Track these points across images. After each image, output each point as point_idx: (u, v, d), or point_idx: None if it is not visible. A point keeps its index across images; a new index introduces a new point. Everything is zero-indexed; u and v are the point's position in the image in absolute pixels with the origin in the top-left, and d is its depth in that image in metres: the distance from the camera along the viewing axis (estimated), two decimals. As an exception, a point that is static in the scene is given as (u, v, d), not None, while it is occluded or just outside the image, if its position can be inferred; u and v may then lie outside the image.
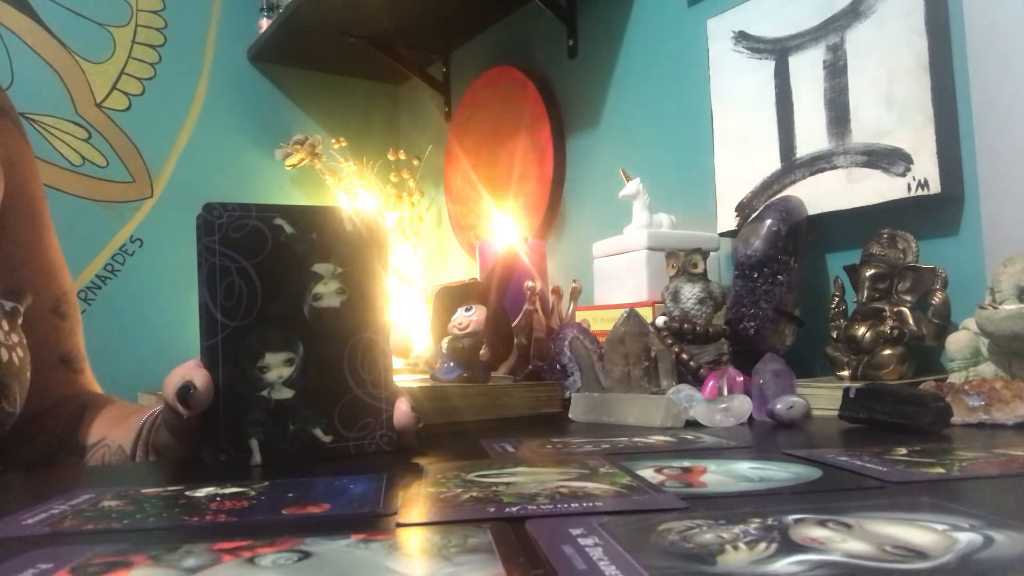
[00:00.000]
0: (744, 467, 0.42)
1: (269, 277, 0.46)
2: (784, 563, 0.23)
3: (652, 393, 0.72)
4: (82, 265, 1.65)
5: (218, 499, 0.36)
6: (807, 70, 0.94)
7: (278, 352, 0.46)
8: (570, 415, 0.71)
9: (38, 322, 0.60)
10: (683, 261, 0.86)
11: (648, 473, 0.40)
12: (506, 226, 1.23)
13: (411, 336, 1.13)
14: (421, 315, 1.29)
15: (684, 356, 0.79)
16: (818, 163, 0.93)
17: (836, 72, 0.91)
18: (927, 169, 0.82)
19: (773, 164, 0.98)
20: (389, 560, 0.25)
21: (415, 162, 1.78)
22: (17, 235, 0.62)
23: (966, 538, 0.26)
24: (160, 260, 1.71)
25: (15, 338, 0.54)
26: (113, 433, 0.58)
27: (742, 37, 1.03)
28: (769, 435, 0.57)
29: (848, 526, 0.27)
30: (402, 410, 0.48)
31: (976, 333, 0.69)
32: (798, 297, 0.88)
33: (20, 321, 0.56)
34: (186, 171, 1.77)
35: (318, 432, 0.47)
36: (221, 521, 0.32)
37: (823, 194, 0.91)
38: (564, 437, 0.58)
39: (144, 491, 0.38)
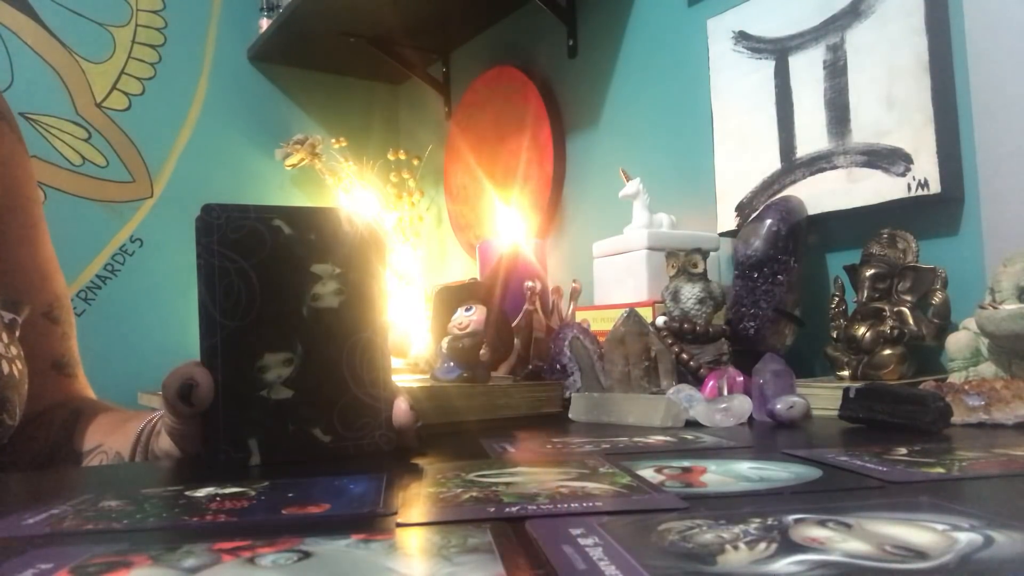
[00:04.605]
0: (744, 467, 0.42)
1: (268, 278, 0.46)
2: (784, 563, 0.23)
3: (652, 393, 0.72)
4: (82, 265, 1.65)
5: (218, 499, 0.36)
6: (807, 70, 0.94)
7: (277, 352, 0.46)
8: (570, 415, 0.71)
9: (30, 327, 0.60)
10: (683, 261, 0.86)
11: (648, 473, 0.40)
12: (511, 222, 1.22)
13: (409, 336, 1.12)
14: (421, 315, 1.29)
15: (684, 356, 0.79)
16: (818, 163, 0.93)
17: (836, 72, 0.91)
18: (927, 169, 0.82)
19: (773, 164, 0.98)
20: (389, 560, 0.25)
21: (415, 162, 1.79)
22: (11, 239, 0.62)
23: (966, 538, 0.26)
24: (160, 260, 1.71)
25: (14, 350, 0.54)
26: (110, 439, 0.58)
27: (742, 37, 1.03)
28: (769, 435, 0.57)
29: (848, 526, 0.27)
30: (401, 409, 0.48)
31: (976, 333, 0.69)
32: (798, 297, 0.88)
33: (18, 333, 0.56)
34: (186, 171, 1.77)
35: (317, 432, 0.47)
36: (221, 521, 0.32)
37: (823, 194, 0.91)
38: (564, 437, 0.58)
39: (144, 491, 0.38)
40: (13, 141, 0.65)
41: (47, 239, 0.66)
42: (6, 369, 0.52)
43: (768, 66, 0.99)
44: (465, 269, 1.70)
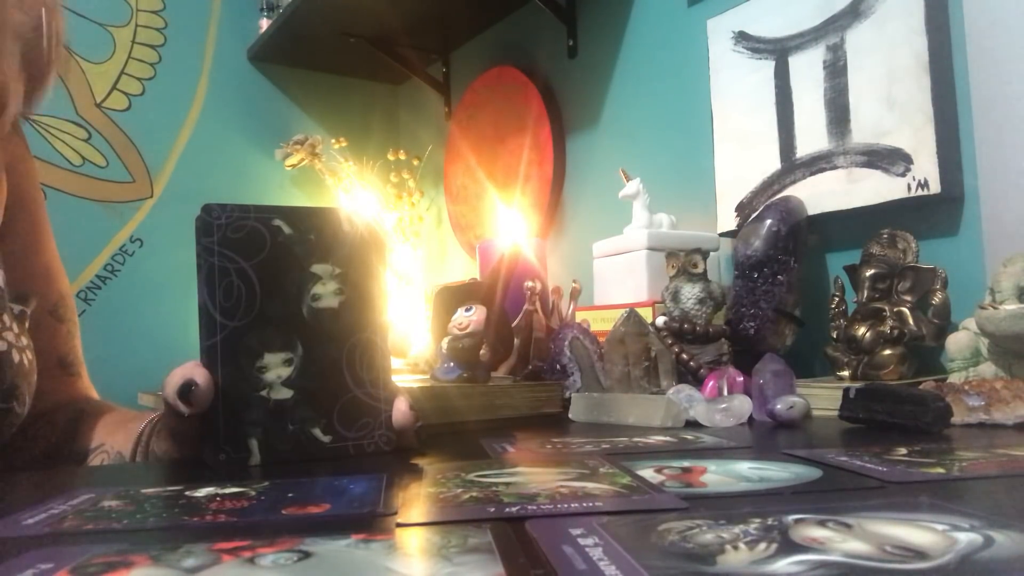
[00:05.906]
0: (744, 467, 0.42)
1: (268, 278, 0.46)
2: (784, 563, 0.23)
3: (652, 393, 0.72)
4: (82, 265, 1.65)
5: (218, 499, 0.36)
6: (807, 70, 0.94)
7: (277, 352, 0.46)
8: (570, 415, 0.71)
9: (36, 325, 0.60)
10: (683, 261, 0.86)
11: (648, 473, 0.40)
12: (512, 222, 1.22)
13: (409, 336, 1.12)
14: (421, 315, 1.29)
15: (684, 356, 0.79)
16: (818, 163, 0.93)
17: (836, 72, 0.91)
18: (927, 169, 0.82)
19: (773, 164, 0.98)
20: (389, 560, 0.25)
21: (415, 162, 1.79)
22: (18, 239, 0.62)
23: (966, 538, 0.26)
24: (160, 260, 1.71)
25: (24, 340, 0.54)
26: (112, 439, 0.58)
27: (742, 37, 1.03)
28: (769, 435, 0.57)
29: (848, 526, 0.27)
30: (401, 409, 0.48)
31: (976, 333, 0.69)
32: (798, 297, 0.88)
33: (27, 324, 0.56)
34: (186, 171, 1.77)
35: (317, 432, 0.47)
36: (221, 521, 0.32)
37: (823, 194, 0.91)
38: (564, 437, 0.58)
39: (144, 491, 0.38)
40: (20, 145, 0.65)
41: (51, 240, 0.67)
42: (16, 358, 0.52)
43: (768, 66, 0.99)
44: (465, 269, 1.70)
